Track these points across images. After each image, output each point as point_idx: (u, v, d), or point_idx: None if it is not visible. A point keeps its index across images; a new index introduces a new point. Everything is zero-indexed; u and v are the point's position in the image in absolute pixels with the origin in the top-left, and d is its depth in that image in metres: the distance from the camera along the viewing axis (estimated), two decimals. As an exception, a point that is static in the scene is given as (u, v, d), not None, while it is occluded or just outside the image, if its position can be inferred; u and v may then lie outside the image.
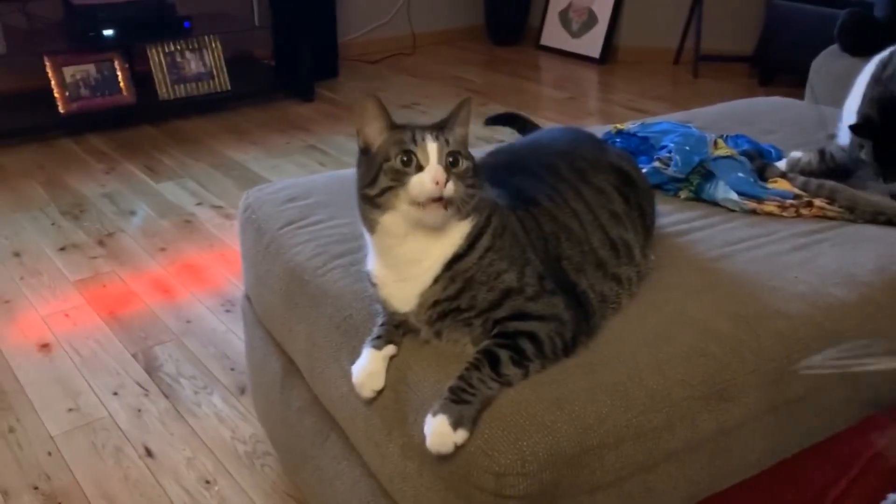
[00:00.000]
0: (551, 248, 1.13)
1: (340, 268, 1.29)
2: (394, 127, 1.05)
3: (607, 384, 1.02)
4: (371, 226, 1.05)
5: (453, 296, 1.05)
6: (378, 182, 1.01)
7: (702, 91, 4.27)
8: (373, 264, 1.10)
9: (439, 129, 1.04)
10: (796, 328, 1.17)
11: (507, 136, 1.93)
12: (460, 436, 0.95)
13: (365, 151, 1.06)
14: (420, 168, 1.00)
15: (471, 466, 0.95)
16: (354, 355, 1.13)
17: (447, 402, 0.97)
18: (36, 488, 1.64)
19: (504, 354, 1.00)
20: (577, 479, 0.97)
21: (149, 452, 1.74)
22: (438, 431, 0.95)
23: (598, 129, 1.86)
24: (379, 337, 1.10)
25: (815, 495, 0.96)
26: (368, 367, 1.08)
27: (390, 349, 1.10)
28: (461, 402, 0.96)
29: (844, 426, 1.16)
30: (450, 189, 0.99)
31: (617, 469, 1.00)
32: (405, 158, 1.00)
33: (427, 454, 1.00)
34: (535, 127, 1.63)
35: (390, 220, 1.03)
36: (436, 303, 1.06)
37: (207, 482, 1.67)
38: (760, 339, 1.14)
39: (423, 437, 1.01)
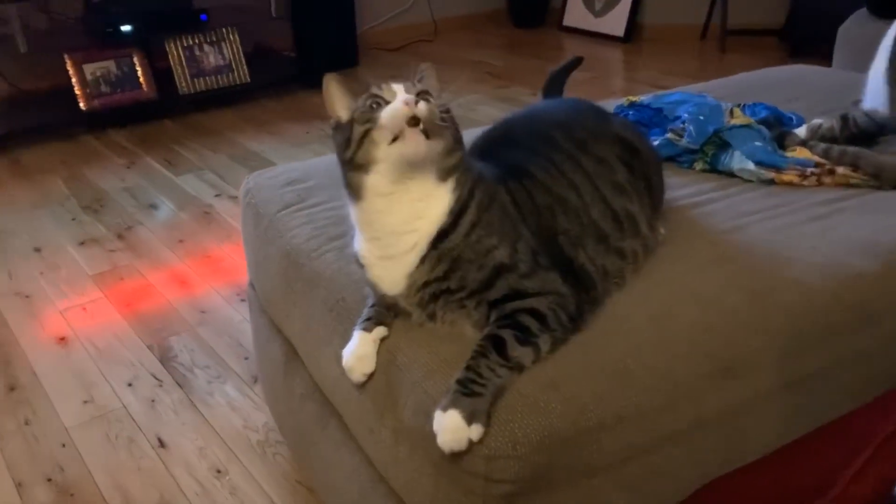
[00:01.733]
0: (545, 222, 1.08)
1: (335, 250, 1.25)
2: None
3: (605, 363, 0.97)
4: (357, 192, 1.01)
5: (442, 276, 1.00)
6: (353, 135, 0.97)
7: (729, 66, 4.14)
8: (359, 242, 1.06)
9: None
10: (811, 300, 1.11)
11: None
12: (475, 431, 0.89)
13: (338, 127, 1.03)
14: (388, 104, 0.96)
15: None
16: (347, 339, 1.09)
17: (458, 396, 0.90)
18: (49, 480, 1.64)
19: (508, 334, 0.96)
20: (572, 462, 0.92)
21: (161, 443, 1.74)
22: (451, 427, 0.89)
23: (613, 103, 1.80)
24: (369, 319, 1.07)
25: (829, 475, 0.90)
26: (358, 351, 1.05)
27: (380, 331, 1.06)
28: (472, 395, 0.90)
29: (862, 403, 1.10)
30: (422, 108, 0.93)
31: (616, 451, 0.95)
32: (373, 104, 0.97)
33: (419, 438, 0.96)
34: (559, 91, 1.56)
35: (374, 180, 0.98)
36: (425, 284, 1.01)
37: (219, 472, 1.65)
38: (771, 313, 1.08)
39: (413, 421, 0.98)
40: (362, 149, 0.97)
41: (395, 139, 0.94)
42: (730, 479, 1.03)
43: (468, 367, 0.93)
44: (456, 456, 0.90)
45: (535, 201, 1.08)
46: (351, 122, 0.98)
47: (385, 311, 1.07)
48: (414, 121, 0.93)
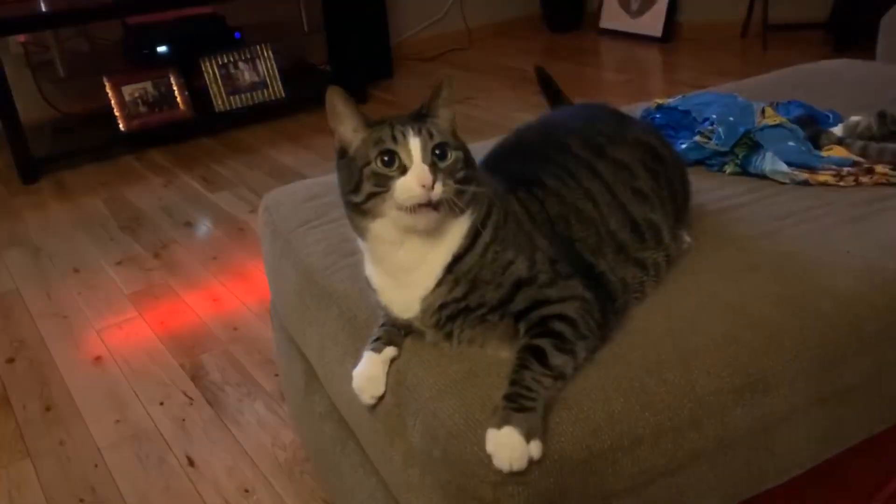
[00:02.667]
0: (560, 230, 1.03)
1: (350, 267, 1.23)
2: (369, 125, 0.96)
3: (621, 380, 0.93)
4: (362, 233, 0.98)
5: (460, 297, 0.97)
6: (362, 188, 0.93)
7: (772, 63, 3.96)
8: (370, 269, 1.03)
9: (421, 119, 0.95)
10: (846, 308, 1.04)
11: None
12: (535, 448, 0.84)
13: (343, 153, 0.98)
14: (404, 169, 0.91)
15: (467, 475, 0.87)
16: (359, 358, 1.07)
17: (510, 412, 0.86)
18: (82, 501, 1.65)
19: (545, 343, 0.92)
20: (586, 487, 0.88)
21: (191, 462, 1.73)
22: (510, 445, 0.84)
23: (642, 106, 1.75)
24: (378, 339, 1.03)
25: (864, 497, 0.83)
26: (367, 372, 1.02)
27: (390, 351, 1.03)
28: (524, 410, 0.86)
29: (903, 418, 1.03)
30: (438, 191, 0.89)
31: (634, 474, 0.90)
32: (387, 159, 0.91)
33: (427, 462, 0.93)
34: (563, 102, 1.52)
35: (381, 227, 0.95)
36: (442, 306, 0.98)
37: (246, 491, 1.64)
38: (803, 323, 1.02)
39: (422, 444, 0.94)
40: (371, 202, 0.93)
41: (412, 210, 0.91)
42: (760, 501, 0.97)
43: (514, 382, 0.89)
44: (465, 481, 0.87)
45: (548, 211, 1.04)
46: (360, 167, 0.93)
47: (395, 331, 1.04)
48: (428, 201, 0.90)
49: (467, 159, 0.96)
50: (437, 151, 0.92)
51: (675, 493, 0.94)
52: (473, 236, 0.96)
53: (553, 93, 1.52)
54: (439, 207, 0.91)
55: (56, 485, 1.70)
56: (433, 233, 0.94)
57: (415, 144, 0.92)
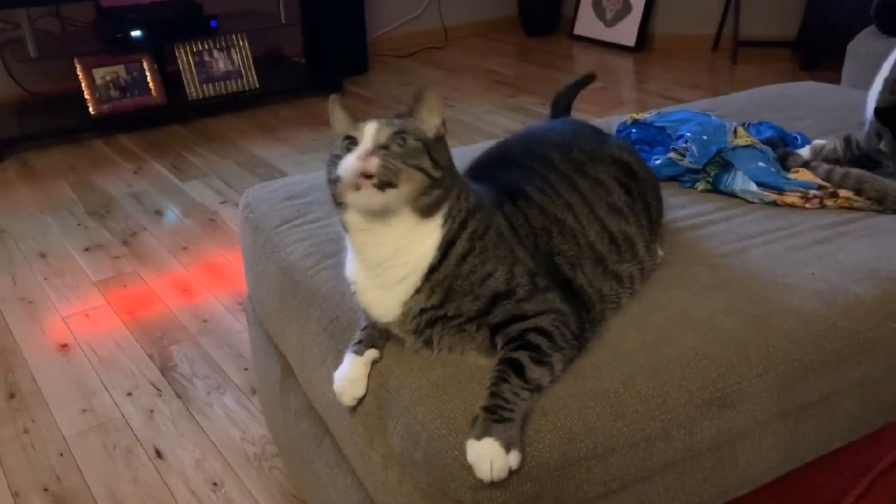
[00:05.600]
0: (542, 244, 1.07)
1: (331, 268, 1.25)
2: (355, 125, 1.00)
3: (597, 390, 0.96)
4: (343, 225, 1.01)
5: (438, 305, 0.99)
6: (329, 173, 0.97)
7: (741, 78, 4.12)
8: (350, 267, 1.05)
9: (399, 116, 0.99)
10: (810, 328, 1.09)
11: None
12: (514, 458, 0.87)
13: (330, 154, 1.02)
14: None
15: (447, 479, 0.90)
16: (341, 359, 1.08)
17: (489, 423, 0.88)
18: (46, 490, 1.65)
19: (523, 356, 0.94)
20: (561, 493, 0.91)
21: (159, 454, 1.74)
22: (490, 455, 0.86)
23: (623, 114, 1.80)
24: (360, 342, 1.06)
25: (822, 511, 0.88)
26: (349, 374, 1.04)
27: (372, 354, 1.05)
28: (504, 421, 0.89)
29: (860, 435, 1.08)
30: (371, 163, 0.92)
31: (606, 481, 0.94)
32: (348, 145, 0.96)
33: (407, 464, 0.96)
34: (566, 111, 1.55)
35: (351, 217, 0.98)
36: (422, 311, 1.00)
37: (215, 484, 1.65)
38: (769, 341, 1.06)
39: (402, 447, 0.97)
40: (332, 187, 0.97)
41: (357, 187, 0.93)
42: (722, 510, 1.02)
43: (493, 394, 0.92)
44: (445, 485, 0.89)
45: (531, 224, 1.06)
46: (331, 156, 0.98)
47: (377, 334, 1.06)
48: (367, 174, 0.92)
49: (435, 160, 0.96)
50: (400, 140, 0.95)
51: (645, 500, 0.98)
52: (446, 247, 0.98)
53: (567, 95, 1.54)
54: (384, 187, 0.92)
55: (20, 473, 1.69)
56: (387, 211, 0.95)
57: (370, 128, 0.96)
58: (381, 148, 0.94)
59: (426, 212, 0.97)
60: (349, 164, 0.93)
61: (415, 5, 4.80)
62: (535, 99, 3.94)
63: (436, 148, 0.98)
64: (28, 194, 3.03)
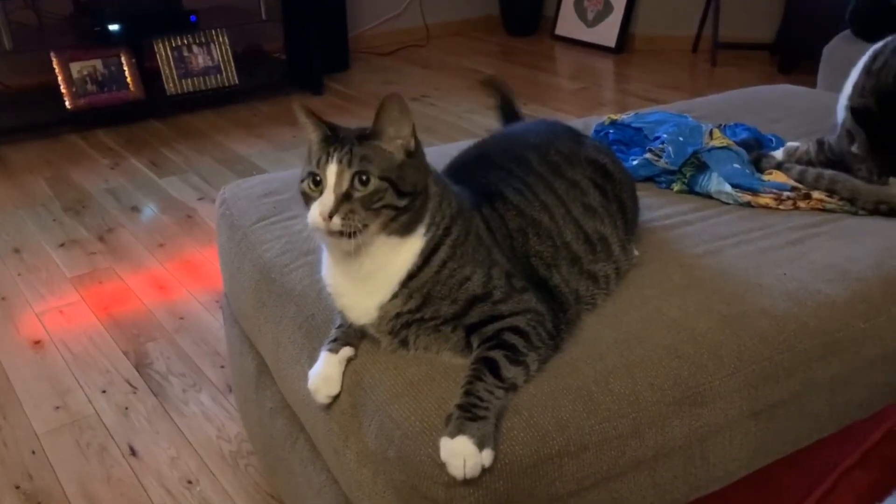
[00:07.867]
0: (519, 245, 1.07)
1: (307, 265, 1.25)
2: (324, 138, 0.98)
3: (570, 388, 0.97)
4: (318, 242, 1.01)
5: (415, 309, 1.00)
6: (302, 198, 0.98)
7: (720, 80, 4.15)
8: (327, 270, 1.05)
9: (360, 140, 0.95)
10: (781, 328, 1.10)
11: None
12: (487, 457, 0.87)
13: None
14: (322, 192, 0.94)
15: (420, 476, 0.90)
16: (316, 357, 1.08)
17: (463, 422, 0.88)
18: (17, 487, 1.63)
19: (499, 355, 0.95)
20: (534, 490, 0.92)
21: (133, 451, 1.72)
22: (463, 453, 0.87)
23: (602, 114, 1.81)
24: (335, 340, 1.06)
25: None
26: (323, 372, 1.04)
27: (347, 352, 1.05)
28: (477, 419, 0.89)
29: (828, 433, 1.10)
30: (336, 223, 0.91)
31: (579, 478, 0.95)
32: (311, 182, 0.96)
33: (381, 462, 0.96)
34: (516, 117, 1.57)
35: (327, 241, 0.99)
36: (398, 314, 1.01)
37: (190, 482, 1.64)
38: (741, 340, 1.08)
39: (376, 445, 0.97)
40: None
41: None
42: (694, 507, 1.03)
43: (467, 392, 0.92)
44: (418, 482, 0.90)
45: (508, 225, 1.07)
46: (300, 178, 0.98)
47: (353, 332, 1.06)
48: (332, 232, 0.93)
49: (402, 191, 0.95)
50: (360, 179, 0.93)
51: (617, 497, 0.99)
52: (428, 255, 0.99)
53: (505, 103, 1.56)
54: (353, 234, 0.92)
55: (-9, 471, 1.67)
56: (367, 253, 0.96)
57: (331, 171, 0.94)
58: (343, 197, 0.92)
59: (404, 231, 0.97)
60: (315, 218, 0.93)
61: (396, 3, 4.79)
62: (517, 99, 3.94)
63: (403, 173, 0.96)
64: (2, 190, 2.99)
